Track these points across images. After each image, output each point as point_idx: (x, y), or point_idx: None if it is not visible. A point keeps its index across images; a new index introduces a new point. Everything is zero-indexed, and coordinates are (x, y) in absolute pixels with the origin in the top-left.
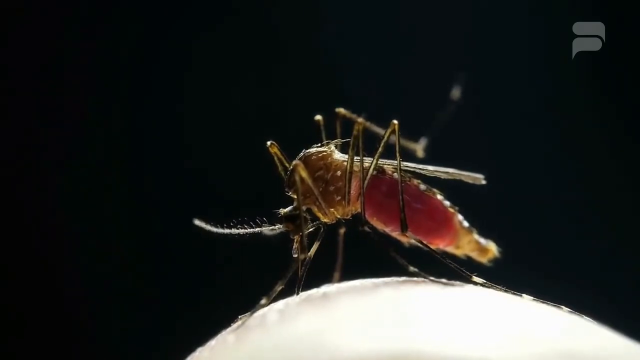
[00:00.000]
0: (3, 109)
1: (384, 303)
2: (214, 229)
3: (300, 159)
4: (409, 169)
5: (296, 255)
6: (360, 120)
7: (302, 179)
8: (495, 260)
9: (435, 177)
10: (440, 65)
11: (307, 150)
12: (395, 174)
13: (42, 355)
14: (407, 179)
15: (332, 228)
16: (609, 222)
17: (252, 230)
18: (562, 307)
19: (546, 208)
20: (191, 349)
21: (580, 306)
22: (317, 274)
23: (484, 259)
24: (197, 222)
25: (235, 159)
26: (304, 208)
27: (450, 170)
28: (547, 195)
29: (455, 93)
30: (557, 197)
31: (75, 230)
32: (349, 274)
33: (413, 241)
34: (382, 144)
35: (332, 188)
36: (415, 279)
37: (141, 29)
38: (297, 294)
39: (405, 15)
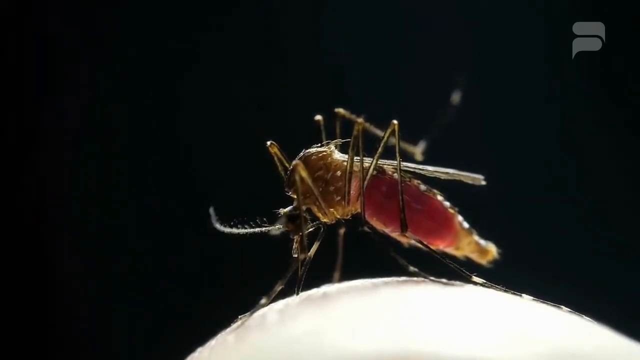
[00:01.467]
0: (3, 109)
1: (384, 303)
2: (218, 227)
3: (300, 159)
4: (409, 169)
5: (296, 255)
6: (360, 120)
7: (302, 179)
8: (495, 261)
9: (435, 178)
10: (440, 65)
11: (307, 150)
12: (395, 174)
13: (42, 355)
14: (407, 179)
15: (332, 228)
16: (609, 222)
17: (252, 230)
18: (562, 307)
19: (546, 208)
20: (191, 349)
21: (580, 306)
22: (317, 274)
23: (483, 261)
24: (210, 217)
25: (235, 158)
26: (304, 208)
27: (450, 170)
28: (547, 195)
29: (456, 94)
30: (557, 197)
31: (75, 230)
32: (349, 274)
33: (413, 242)
34: (382, 144)
35: (332, 188)
36: (415, 279)
37: (142, 28)
38: (297, 294)
39: (405, 16)
